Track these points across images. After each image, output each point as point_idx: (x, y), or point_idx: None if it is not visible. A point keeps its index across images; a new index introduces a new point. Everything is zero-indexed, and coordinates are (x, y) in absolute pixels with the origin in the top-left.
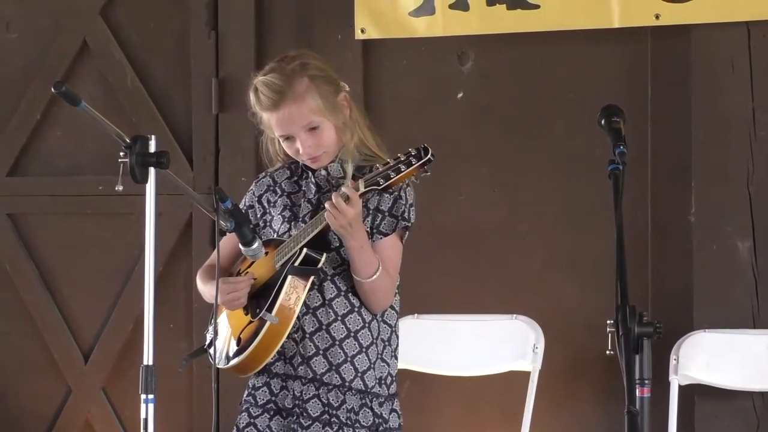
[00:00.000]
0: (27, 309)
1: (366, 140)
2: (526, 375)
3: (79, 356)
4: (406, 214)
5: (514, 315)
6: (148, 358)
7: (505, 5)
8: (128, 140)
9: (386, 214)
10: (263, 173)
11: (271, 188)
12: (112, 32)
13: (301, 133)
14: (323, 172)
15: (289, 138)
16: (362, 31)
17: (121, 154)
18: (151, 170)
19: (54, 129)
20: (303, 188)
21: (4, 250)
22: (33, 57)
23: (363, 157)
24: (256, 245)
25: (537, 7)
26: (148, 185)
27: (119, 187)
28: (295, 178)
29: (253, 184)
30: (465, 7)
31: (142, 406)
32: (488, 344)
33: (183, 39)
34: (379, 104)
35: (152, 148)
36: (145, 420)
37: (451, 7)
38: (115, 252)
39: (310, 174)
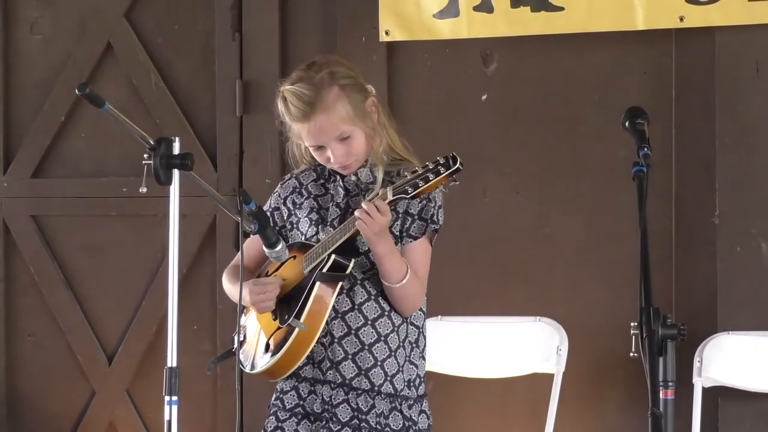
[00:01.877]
0: (51, 311)
1: (394, 143)
2: (550, 377)
3: (103, 358)
4: (435, 217)
5: (538, 317)
6: (171, 359)
7: (529, 7)
8: (152, 142)
9: (415, 217)
10: (288, 175)
11: (297, 190)
12: (136, 34)
13: (332, 143)
14: (353, 177)
15: (320, 147)
16: (386, 33)
17: (145, 155)
18: (175, 172)
19: (78, 131)
20: (331, 191)
21: (29, 252)
22: (57, 59)
23: (390, 160)
24: (279, 247)
25: (561, 9)
26: (172, 187)
27: (143, 189)
28: (322, 181)
29: (279, 186)
30: (489, 9)
31: (166, 407)
32: (512, 346)
33: (207, 41)
34: (403, 106)
35: (176, 150)
36: (169, 422)
37: (476, 9)
38: (139, 254)
39: (338, 178)
